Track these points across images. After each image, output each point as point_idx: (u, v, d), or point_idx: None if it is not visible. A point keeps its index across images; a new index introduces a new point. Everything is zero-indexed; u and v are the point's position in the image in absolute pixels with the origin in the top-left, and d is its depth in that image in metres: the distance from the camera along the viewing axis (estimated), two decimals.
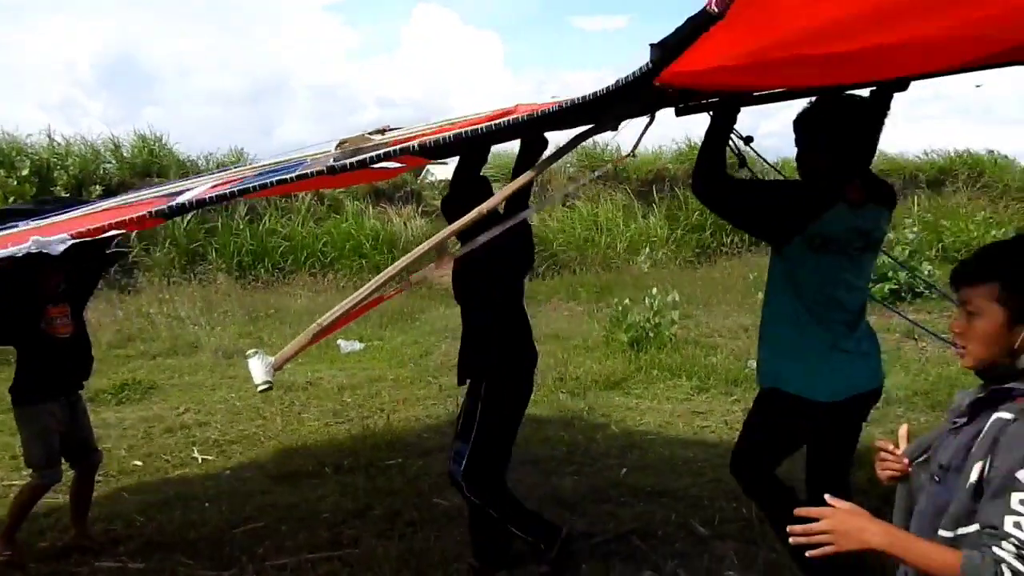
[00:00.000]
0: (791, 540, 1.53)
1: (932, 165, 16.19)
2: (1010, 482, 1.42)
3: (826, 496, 1.55)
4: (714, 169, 2.73)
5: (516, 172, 3.21)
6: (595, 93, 2.08)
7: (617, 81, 1.98)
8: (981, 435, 1.53)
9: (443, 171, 15.27)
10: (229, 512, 4.51)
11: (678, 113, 3.05)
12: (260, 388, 1.95)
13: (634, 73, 1.91)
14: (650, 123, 2.59)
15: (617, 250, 13.79)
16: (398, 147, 2.35)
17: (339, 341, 8.84)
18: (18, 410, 3.87)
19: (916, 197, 15.60)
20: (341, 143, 3.16)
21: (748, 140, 2.99)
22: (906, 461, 1.80)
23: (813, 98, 2.74)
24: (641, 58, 1.89)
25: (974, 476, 1.50)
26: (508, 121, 2.45)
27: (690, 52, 1.79)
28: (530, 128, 2.66)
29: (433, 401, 6.58)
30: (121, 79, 36.41)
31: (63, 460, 3.98)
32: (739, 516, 3.85)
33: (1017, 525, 1.38)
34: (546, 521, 3.51)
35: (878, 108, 2.77)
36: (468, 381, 3.38)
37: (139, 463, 5.52)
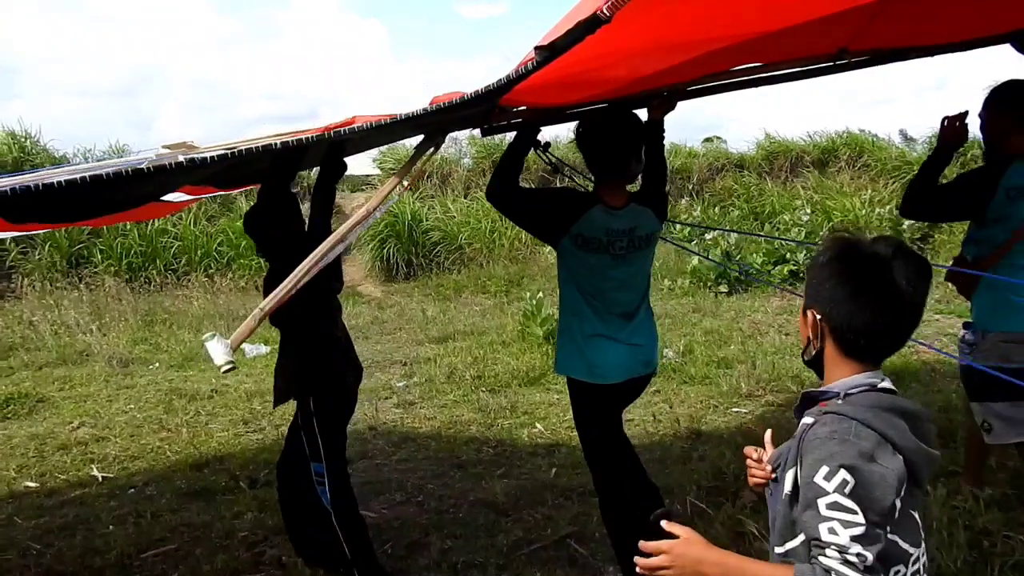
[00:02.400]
0: (638, 570, 1.51)
1: (816, 146, 16.76)
2: (813, 490, 1.40)
3: (664, 524, 1.52)
4: (510, 180, 3.01)
5: (316, 190, 3.25)
6: (441, 105, 2.13)
7: (471, 93, 2.02)
8: (793, 441, 1.54)
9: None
10: (136, 535, 4.22)
11: (484, 133, 3.41)
12: (224, 369, 2.00)
13: (501, 81, 1.94)
14: (435, 150, 2.68)
15: (524, 241, 13.74)
16: (228, 151, 2.22)
17: (243, 345, 8.46)
18: None
19: (804, 179, 16.17)
20: (165, 147, 3.01)
21: (546, 147, 3.23)
22: (769, 468, 1.74)
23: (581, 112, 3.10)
24: (522, 47, 1.91)
25: (788, 486, 1.50)
26: (335, 133, 2.39)
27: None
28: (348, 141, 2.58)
29: None
30: None
31: None
32: (675, 514, 3.84)
33: (832, 531, 1.36)
34: None
35: (653, 127, 3.11)
36: (294, 401, 3.34)
37: (32, 484, 5.13)
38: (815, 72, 3.05)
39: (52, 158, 13.28)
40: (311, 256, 2.25)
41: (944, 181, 3.31)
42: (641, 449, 4.80)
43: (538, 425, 5.48)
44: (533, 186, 10.11)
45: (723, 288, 10.41)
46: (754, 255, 11.13)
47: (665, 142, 3.19)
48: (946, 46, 3.10)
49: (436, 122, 2.54)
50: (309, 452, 3.25)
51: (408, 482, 4.64)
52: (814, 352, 1.59)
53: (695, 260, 11.08)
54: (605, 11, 1.56)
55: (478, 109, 2.43)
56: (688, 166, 16.21)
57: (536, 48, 1.80)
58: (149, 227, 12.75)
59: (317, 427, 3.21)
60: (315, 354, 3.24)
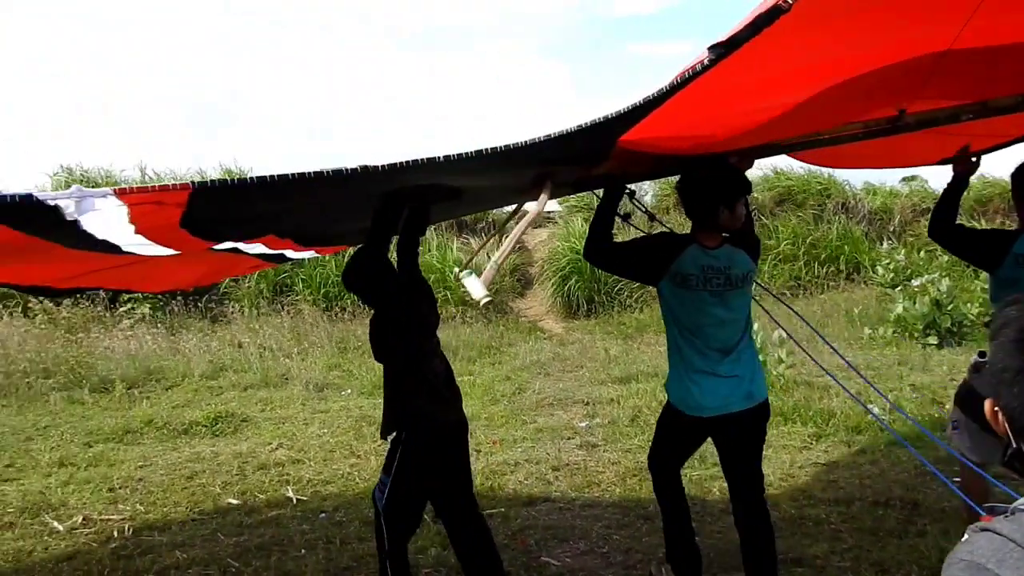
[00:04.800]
0: None
1: None
2: None
3: None
4: (604, 237, 3.25)
5: (400, 245, 3.53)
6: (582, 125, 2.15)
7: (628, 107, 2.03)
8: None
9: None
10: (326, 561, 4.32)
11: (575, 189, 3.65)
12: (484, 302, 2.32)
13: (662, 89, 1.94)
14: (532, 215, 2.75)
15: None
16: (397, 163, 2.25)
17: None
18: None
19: None
20: None
21: (632, 194, 3.51)
22: None
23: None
24: None
25: None
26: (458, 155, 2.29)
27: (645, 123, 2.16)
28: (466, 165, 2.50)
29: (531, 443, 6.29)
30: (208, 115, 37.68)
31: None
32: None
33: None
34: None
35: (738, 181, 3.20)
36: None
37: (234, 501, 5.41)
38: (875, 134, 3.11)
39: None
40: (512, 234, 2.54)
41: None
42: (847, 516, 4.42)
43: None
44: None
45: (932, 340, 9.55)
46: (968, 304, 10.16)
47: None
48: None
49: (550, 159, 2.58)
50: (386, 461, 3.55)
51: (592, 531, 4.47)
52: (1011, 451, 1.23)
53: (899, 307, 10.27)
54: (788, 0, 1.51)
55: (600, 144, 2.47)
56: (888, 206, 15.19)
57: (710, 48, 1.74)
58: (346, 258, 13.43)
59: (399, 452, 3.46)
60: (409, 389, 3.42)
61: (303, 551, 4.47)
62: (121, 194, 2.00)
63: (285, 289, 13.25)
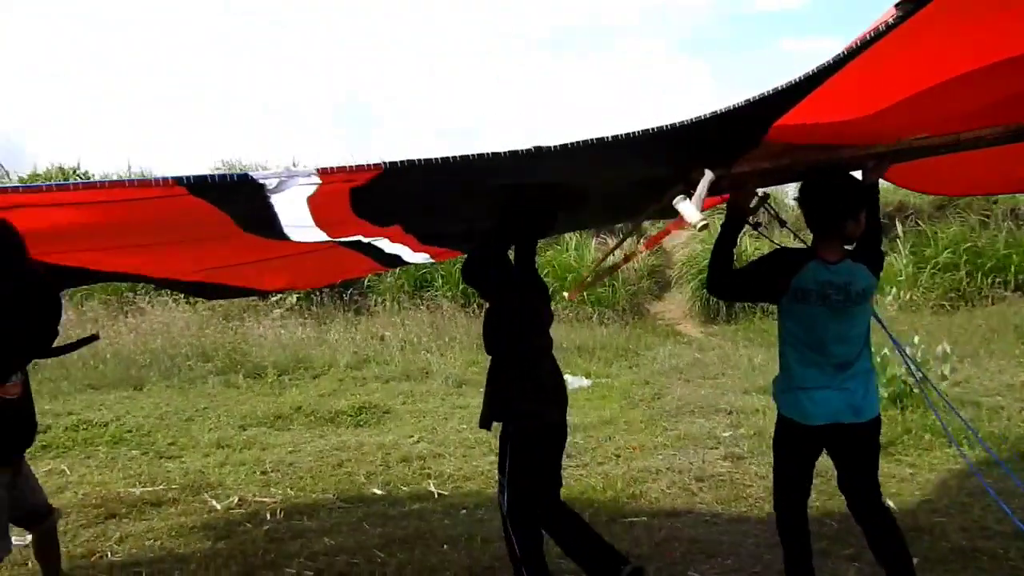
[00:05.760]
0: None
1: None
2: None
3: None
4: (727, 268, 3.21)
5: (519, 246, 3.55)
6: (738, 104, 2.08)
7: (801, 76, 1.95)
8: None
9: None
10: (468, 558, 4.33)
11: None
12: (700, 227, 2.30)
13: (840, 55, 1.86)
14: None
15: None
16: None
17: (566, 376, 8.62)
18: None
19: None
20: None
21: (765, 198, 3.40)
22: None
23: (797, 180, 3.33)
24: None
25: None
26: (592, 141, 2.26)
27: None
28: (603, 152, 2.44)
29: (672, 451, 6.14)
30: (352, 118, 39.10)
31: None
32: None
33: None
34: None
35: (869, 190, 3.20)
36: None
37: (378, 491, 5.54)
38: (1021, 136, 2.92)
39: None
40: (704, 179, 2.42)
41: None
42: None
43: (889, 501, 4.83)
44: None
45: None
46: None
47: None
48: None
49: (699, 146, 2.49)
50: (499, 463, 3.58)
51: (742, 548, 4.29)
52: None
53: None
54: None
55: (756, 126, 2.40)
56: None
57: (898, 4, 1.66)
58: None
59: (509, 447, 3.48)
60: (518, 386, 3.44)
61: (445, 546, 4.51)
62: (322, 173, 2.16)
63: (425, 284, 13.56)
